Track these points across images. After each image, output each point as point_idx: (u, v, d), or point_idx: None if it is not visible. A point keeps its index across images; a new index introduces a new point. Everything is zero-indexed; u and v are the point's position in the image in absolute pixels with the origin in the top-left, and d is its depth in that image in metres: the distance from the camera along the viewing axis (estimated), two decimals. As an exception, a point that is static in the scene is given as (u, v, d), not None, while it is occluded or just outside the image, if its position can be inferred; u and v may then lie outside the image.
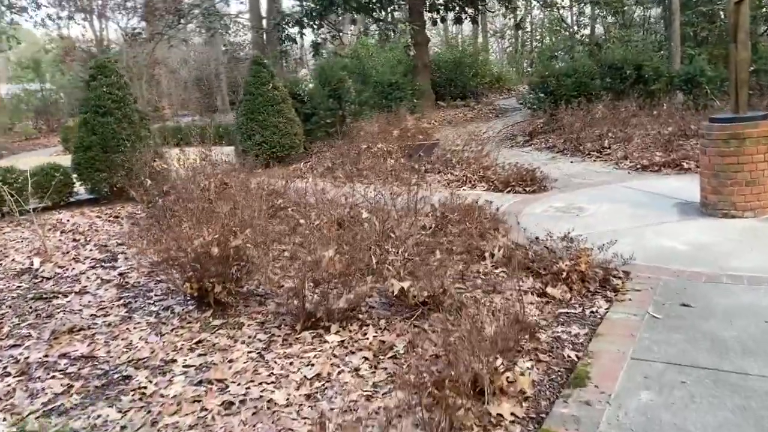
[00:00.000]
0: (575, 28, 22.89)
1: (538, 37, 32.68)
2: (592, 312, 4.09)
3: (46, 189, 8.02)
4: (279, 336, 3.85)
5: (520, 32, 32.14)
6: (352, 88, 13.96)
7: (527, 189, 8.20)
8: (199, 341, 3.82)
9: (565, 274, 4.48)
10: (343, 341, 3.74)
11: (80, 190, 8.43)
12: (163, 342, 3.83)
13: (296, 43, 20.13)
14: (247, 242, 4.31)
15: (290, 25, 18.86)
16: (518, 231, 6.26)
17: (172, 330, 4.02)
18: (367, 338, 3.76)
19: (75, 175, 8.27)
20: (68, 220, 7.06)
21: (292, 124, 10.78)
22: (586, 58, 14.31)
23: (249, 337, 3.86)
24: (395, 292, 3.97)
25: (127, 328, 4.07)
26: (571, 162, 10.64)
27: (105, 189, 8.09)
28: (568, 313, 4.11)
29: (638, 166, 9.33)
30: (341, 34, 24.98)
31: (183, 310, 4.34)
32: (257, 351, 3.65)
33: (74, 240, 5.98)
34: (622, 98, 13.13)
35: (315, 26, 18.58)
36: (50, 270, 5.15)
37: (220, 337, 3.86)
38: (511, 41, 36.10)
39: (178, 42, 27.25)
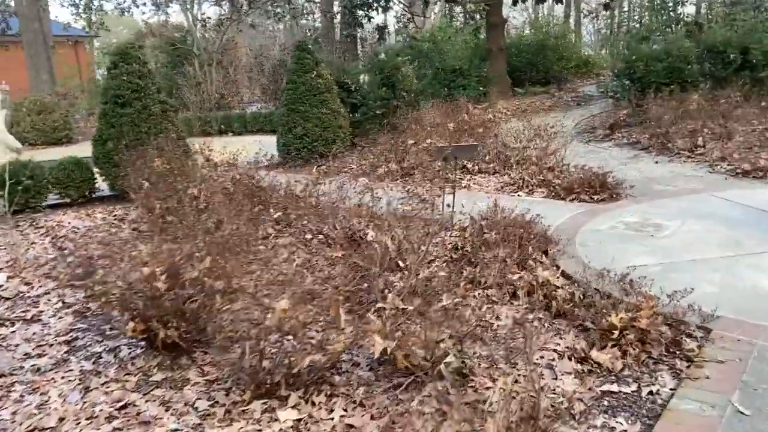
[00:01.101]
0: (677, 6, 20.67)
1: (636, 17, 30.17)
2: (650, 394, 2.99)
3: (67, 185, 7.61)
4: (223, 405, 3.00)
5: (616, 12, 29.77)
6: (412, 76, 12.96)
7: (595, 197, 6.95)
8: (125, 406, 3.04)
9: (618, 332, 3.37)
10: (299, 421, 2.85)
11: (103, 185, 7.98)
12: (83, 404, 3.08)
13: (362, 27, 19.29)
14: (209, 274, 3.48)
15: (358, 7, 18.02)
16: (571, 256, 5.11)
17: (103, 384, 3.28)
18: (332, 418, 2.85)
19: (96, 170, 7.82)
20: (69, 223, 6.57)
21: (337, 116, 9.95)
22: (683, 39, 12.57)
23: (185, 404, 3.04)
24: (376, 355, 3.03)
25: (53, 378, 3.36)
26: (656, 162, 9.19)
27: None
28: (616, 393, 3.02)
29: (738, 171, 7.83)
30: (416, 16, 23.92)
31: (129, 354, 3.59)
32: (185, 430, 2.83)
33: (60, 248, 5.42)
34: (724, 87, 11.38)
35: (381, 7, 17.63)
36: (14, 288, 4.58)
37: (152, 403, 3.06)
38: (606, 21, 33.61)
39: (247, 27, 27.12)
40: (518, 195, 7.43)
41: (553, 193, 7.28)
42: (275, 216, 5.69)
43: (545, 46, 18.80)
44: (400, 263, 4.13)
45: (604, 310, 3.54)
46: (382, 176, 8.72)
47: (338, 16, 24.31)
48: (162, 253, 3.55)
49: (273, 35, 27.37)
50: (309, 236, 5.53)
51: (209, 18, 22.74)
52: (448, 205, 5.93)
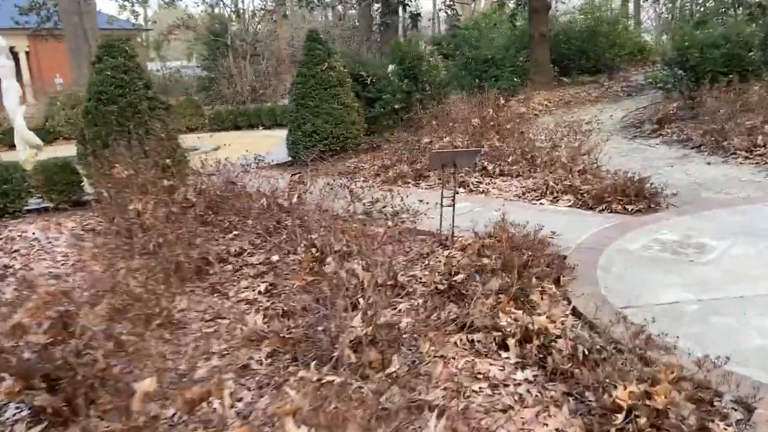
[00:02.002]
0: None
1: (700, 1, 28.15)
2: None
3: (49, 188, 7.15)
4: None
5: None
6: (439, 66, 12.08)
7: (629, 208, 6.00)
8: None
9: (623, 414, 2.53)
10: None
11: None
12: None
13: (397, 14, 18.44)
14: (107, 322, 2.82)
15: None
16: (589, 285, 4.24)
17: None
18: None
19: (83, 172, 7.33)
20: (33, 234, 6.06)
21: (350, 111, 9.21)
22: (744, 23, 11.28)
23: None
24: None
25: None
26: (708, 163, 8.09)
27: (107, 190, 7.07)
28: None
29: (805, 176, 6.72)
30: (459, 3, 22.92)
31: (13, 416, 2.96)
32: None
33: (3, 267, 4.89)
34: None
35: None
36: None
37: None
38: (667, 5, 31.58)
39: (289, 17, 26.61)
40: (540, 203, 6.53)
41: (580, 202, 6.36)
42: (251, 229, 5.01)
43: (597, 32, 17.58)
44: (360, 301, 3.36)
45: (608, 380, 2.69)
46: (393, 179, 7.94)
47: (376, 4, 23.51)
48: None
49: (319, 26, 26.75)
50: (286, 252, 4.83)
51: (243, 9, 22.30)
52: (452, 199, 5.12)
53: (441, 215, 5.26)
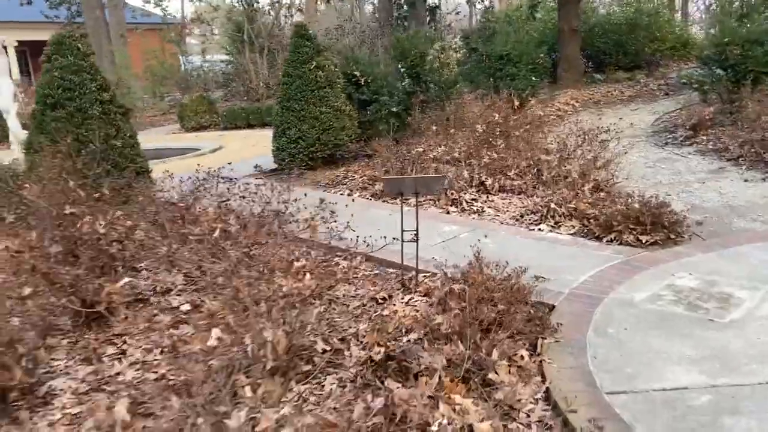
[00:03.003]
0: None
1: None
2: None
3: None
4: None
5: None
6: (452, 64, 11.17)
7: (643, 239, 5.05)
8: None
9: None
10: None
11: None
12: None
13: (414, 6, 17.47)
14: None
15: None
16: (574, 354, 3.35)
17: None
18: None
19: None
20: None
21: (339, 115, 8.38)
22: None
23: None
24: None
25: None
26: (745, 180, 7.05)
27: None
28: None
29: None
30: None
31: None
32: None
33: None
34: None
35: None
36: None
37: None
38: (716, -5, 29.82)
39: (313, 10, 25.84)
40: (539, 229, 5.62)
41: (586, 230, 5.43)
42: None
43: (636, 24, 16.40)
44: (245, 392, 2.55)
45: None
46: (381, 193, 7.11)
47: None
48: None
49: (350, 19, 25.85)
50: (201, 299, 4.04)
51: (257, 2, 21.60)
52: (414, 235, 4.25)
53: (402, 248, 4.40)
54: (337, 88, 8.45)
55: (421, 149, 7.42)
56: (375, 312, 3.94)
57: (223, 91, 25.05)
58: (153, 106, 28.03)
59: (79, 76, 6.34)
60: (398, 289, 4.26)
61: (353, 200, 7.03)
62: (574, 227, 5.54)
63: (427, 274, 4.66)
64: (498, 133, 8.28)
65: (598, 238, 5.24)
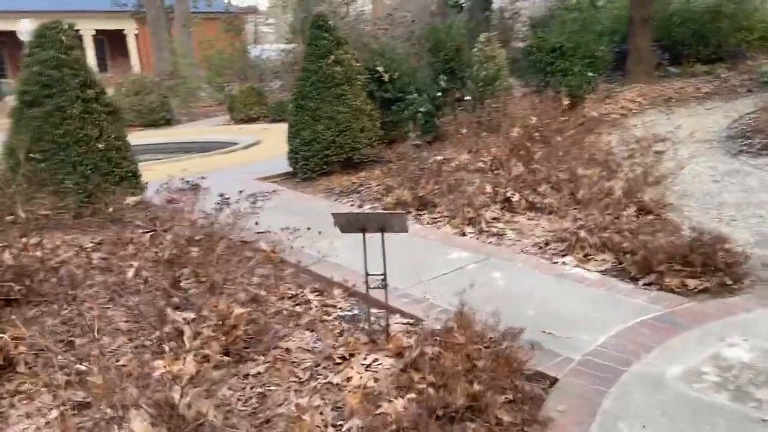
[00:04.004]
0: None
1: None
2: None
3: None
4: None
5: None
6: (500, 58, 10.22)
7: (690, 285, 4.06)
8: None
9: None
10: None
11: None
12: None
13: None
14: None
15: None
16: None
17: None
18: None
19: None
20: None
21: (358, 115, 7.61)
22: None
23: None
24: None
25: None
26: (837, 204, 5.84)
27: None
28: None
29: None
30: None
31: None
32: None
33: None
34: None
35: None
36: None
37: None
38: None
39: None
40: (563, 262, 4.69)
41: (619, 267, 4.47)
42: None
43: (719, 12, 14.87)
44: None
45: None
46: (393, 206, 6.31)
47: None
48: None
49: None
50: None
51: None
52: (382, 280, 3.45)
53: (367, 291, 3.59)
54: (356, 85, 7.68)
55: (440, 157, 6.54)
56: (325, 378, 3.17)
57: (281, 82, 24.71)
58: (210, 96, 28.05)
59: (60, 71, 5.84)
60: (365, 343, 3.46)
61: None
62: (605, 262, 4.57)
63: (411, 321, 3.86)
64: (537, 138, 7.31)
65: (634, 280, 4.27)
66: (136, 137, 17.02)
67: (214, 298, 3.51)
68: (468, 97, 8.94)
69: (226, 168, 9.71)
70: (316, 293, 4.29)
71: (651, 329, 3.59)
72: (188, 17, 30.02)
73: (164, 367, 2.23)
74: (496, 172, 6.67)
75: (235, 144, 13.22)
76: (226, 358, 3.07)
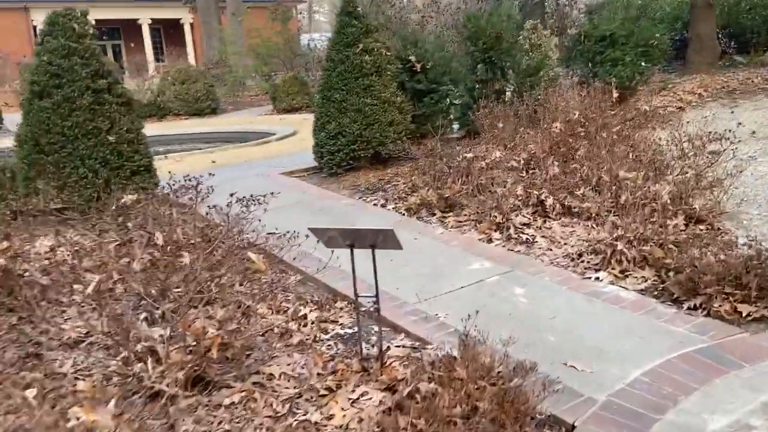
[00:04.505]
0: None
1: None
2: None
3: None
4: None
5: None
6: (547, 47, 9.62)
7: (742, 311, 3.50)
8: None
9: None
10: None
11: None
12: None
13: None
14: None
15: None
16: None
17: None
18: None
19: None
20: None
21: (387, 108, 7.16)
22: None
23: None
24: None
25: None
26: None
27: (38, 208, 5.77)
28: None
29: None
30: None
31: None
32: None
33: None
34: None
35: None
36: None
37: None
38: None
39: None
40: (596, 278, 4.17)
41: (660, 287, 3.92)
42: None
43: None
44: None
45: None
46: (417, 207, 5.88)
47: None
48: None
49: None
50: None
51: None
52: (374, 305, 3.05)
53: (358, 320, 3.19)
54: (386, 75, 7.24)
55: (470, 154, 6.05)
56: (304, 414, 2.79)
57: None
58: (257, 85, 27.99)
59: (69, 61, 5.63)
60: (357, 371, 3.07)
61: (388, 211, 5.86)
62: (645, 280, 4.04)
63: (415, 345, 3.45)
64: (581, 134, 6.73)
65: (677, 302, 3.73)
66: (179, 126, 17.12)
67: (194, 312, 3.18)
68: (509, 89, 8.40)
69: (255, 160, 9.44)
70: (315, 307, 3.91)
71: (693, 365, 3.07)
72: (239, 5, 30.02)
73: (77, 418, 1.89)
74: (531, 171, 6.15)
75: (272, 134, 13.00)
76: (187, 393, 2.72)
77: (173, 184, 4.74)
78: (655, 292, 3.89)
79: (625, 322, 3.57)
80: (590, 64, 9.55)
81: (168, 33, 37.89)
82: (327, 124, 7.28)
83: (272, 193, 4.61)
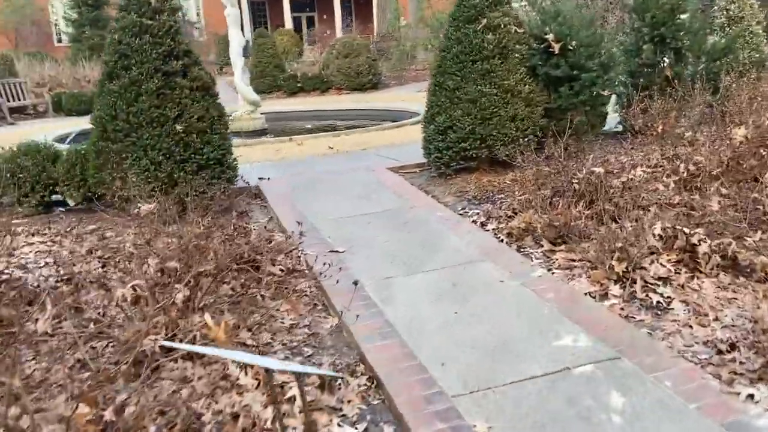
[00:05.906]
0: None
1: None
2: None
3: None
4: None
5: None
6: (754, 20, 7.56)
7: None
8: None
9: None
10: None
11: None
12: None
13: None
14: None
15: None
16: None
17: None
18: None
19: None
20: None
21: (510, 99, 5.77)
22: None
23: None
24: None
25: None
26: None
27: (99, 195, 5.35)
28: None
29: None
30: None
31: None
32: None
33: None
34: None
35: None
36: None
37: None
38: None
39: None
40: (749, 397, 2.63)
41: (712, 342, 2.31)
42: None
43: None
44: None
45: None
46: (520, 234, 4.54)
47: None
48: None
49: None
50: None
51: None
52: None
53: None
54: (513, 58, 5.85)
55: (600, 168, 4.52)
56: None
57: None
58: (426, 60, 27.10)
59: (140, 39, 5.07)
60: None
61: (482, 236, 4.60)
62: (696, 329, 2.44)
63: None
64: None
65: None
66: (330, 102, 16.82)
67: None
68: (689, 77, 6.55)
69: (375, 148, 8.53)
70: (320, 383, 2.87)
71: None
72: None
73: None
74: (692, 197, 4.49)
75: (417, 115, 12.02)
76: None
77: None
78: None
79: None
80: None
81: (358, 5, 38.23)
82: (436, 116, 6.09)
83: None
